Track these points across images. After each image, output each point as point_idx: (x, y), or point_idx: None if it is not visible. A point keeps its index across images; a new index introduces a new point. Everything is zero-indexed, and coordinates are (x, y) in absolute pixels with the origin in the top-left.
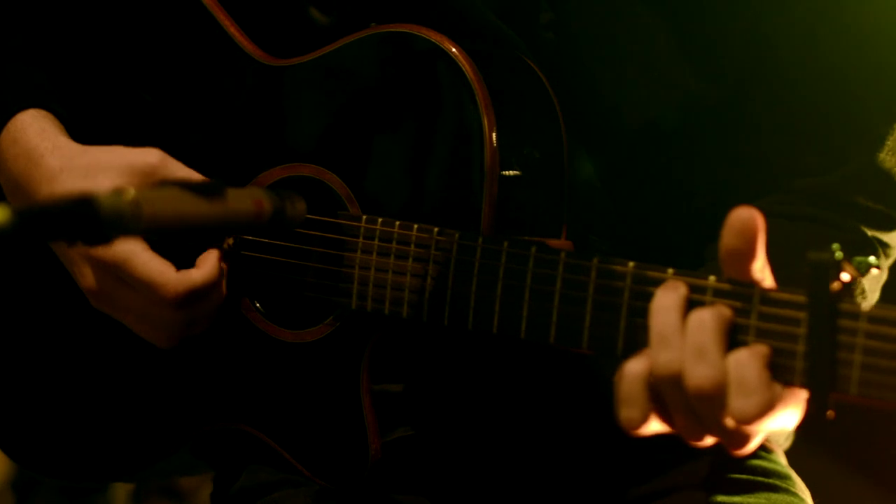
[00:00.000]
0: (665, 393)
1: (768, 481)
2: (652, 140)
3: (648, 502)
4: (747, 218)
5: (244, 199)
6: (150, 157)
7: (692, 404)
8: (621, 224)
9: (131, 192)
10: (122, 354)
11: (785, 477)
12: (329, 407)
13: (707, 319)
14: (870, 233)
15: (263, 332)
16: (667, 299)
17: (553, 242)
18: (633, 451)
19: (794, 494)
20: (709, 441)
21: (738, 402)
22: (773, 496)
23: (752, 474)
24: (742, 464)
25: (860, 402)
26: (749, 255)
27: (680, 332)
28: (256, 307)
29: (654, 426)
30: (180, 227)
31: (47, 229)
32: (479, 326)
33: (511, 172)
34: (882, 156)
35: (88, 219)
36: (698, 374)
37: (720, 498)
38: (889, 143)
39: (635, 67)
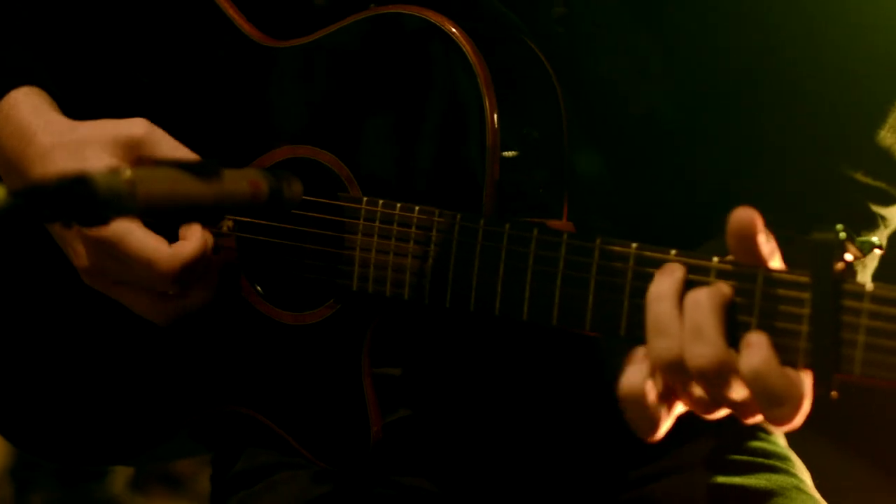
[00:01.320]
0: (669, 379)
1: (768, 462)
2: (656, 129)
3: (648, 483)
4: (745, 212)
5: (240, 180)
6: (135, 128)
7: (698, 383)
8: (624, 210)
9: (127, 172)
10: (121, 336)
11: (784, 458)
12: (330, 389)
13: (703, 299)
14: (873, 207)
15: (264, 314)
16: (662, 286)
17: (555, 224)
18: (633, 432)
19: (794, 475)
20: (722, 413)
21: (756, 398)
22: (773, 476)
23: (752, 455)
24: (742, 445)
25: (863, 381)
26: (750, 232)
27: (676, 318)
28: (257, 290)
29: (667, 421)
30: (176, 207)
31: (44, 210)
32: (480, 308)
33: (512, 153)
34: (882, 133)
35: (85, 199)
36: (698, 354)
37: (720, 479)
38: (890, 120)
39: (641, 59)
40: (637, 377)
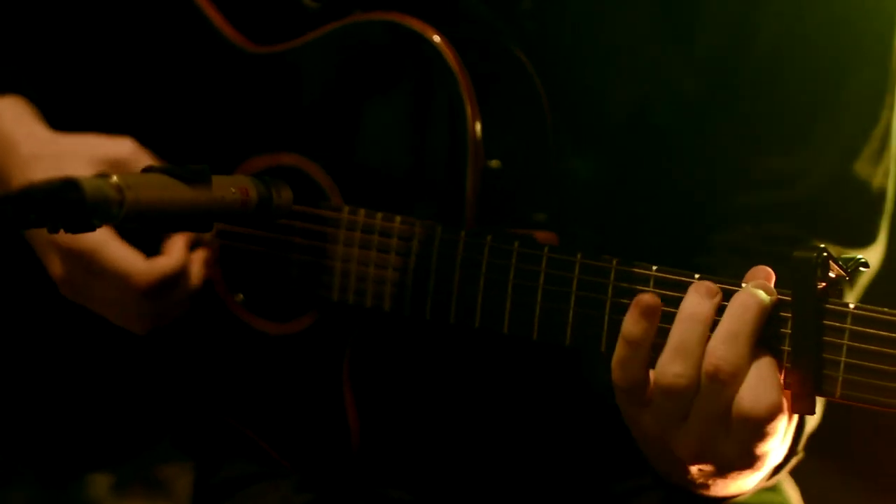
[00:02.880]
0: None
1: None
2: (639, 133)
3: (630, 499)
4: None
5: (229, 187)
6: (121, 148)
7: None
8: (608, 217)
9: (115, 178)
10: (101, 343)
11: None
12: (310, 399)
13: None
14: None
15: (246, 323)
16: (702, 308)
17: (538, 235)
18: (618, 446)
19: (778, 492)
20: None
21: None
22: (756, 494)
23: None
24: None
25: (844, 402)
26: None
27: (703, 344)
28: (238, 299)
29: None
30: (164, 214)
31: (30, 215)
32: (461, 320)
33: (495, 163)
34: (858, 165)
35: (72, 204)
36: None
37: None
38: (866, 151)
39: (621, 59)
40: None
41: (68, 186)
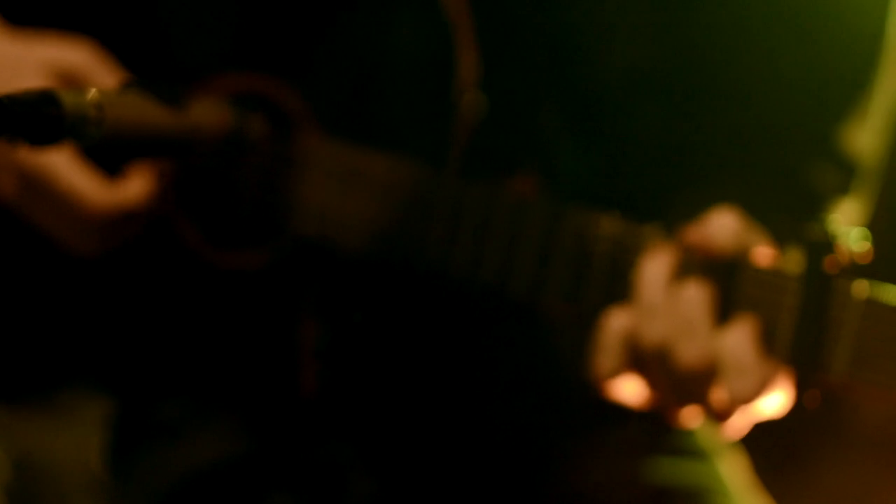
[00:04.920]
0: (649, 364)
1: (693, 458)
2: (631, 90)
3: (565, 462)
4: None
5: (207, 113)
6: (78, 55)
7: (678, 379)
8: (587, 170)
9: (95, 93)
10: (41, 264)
11: (712, 454)
12: (264, 339)
13: (695, 296)
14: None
15: (198, 253)
16: (655, 270)
17: (518, 182)
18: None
19: (717, 472)
20: (686, 419)
21: (732, 381)
22: (695, 471)
23: (678, 451)
24: (669, 438)
25: (845, 384)
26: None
27: (669, 302)
28: (193, 228)
29: (630, 388)
30: (139, 140)
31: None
32: (432, 269)
33: (483, 108)
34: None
35: (49, 119)
36: (687, 351)
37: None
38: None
39: (615, 11)
40: (625, 315)
41: (46, 100)
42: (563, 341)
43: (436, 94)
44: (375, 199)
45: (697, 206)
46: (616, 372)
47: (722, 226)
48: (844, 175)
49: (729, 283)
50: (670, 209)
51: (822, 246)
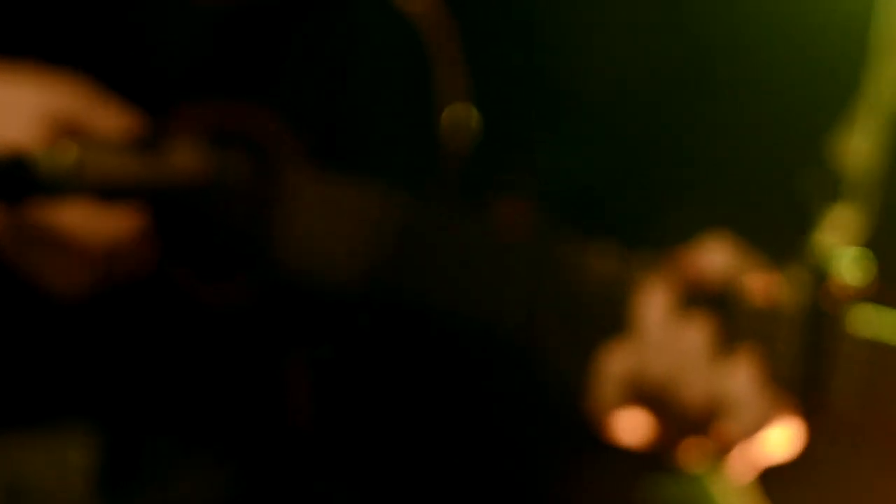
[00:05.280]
0: (650, 400)
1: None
2: (617, 101)
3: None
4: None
5: (190, 157)
6: (70, 96)
7: (680, 415)
8: (582, 188)
9: (74, 150)
10: (28, 308)
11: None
12: (253, 375)
13: (695, 337)
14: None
15: (180, 287)
16: (654, 303)
17: (508, 207)
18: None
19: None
20: (688, 456)
21: (735, 416)
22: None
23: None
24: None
25: (852, 420)
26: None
27: (668, 338)
28: (177, 263)
29: (630, 426)
30: (120, 189)
31: None
32: (419, 304)
33: (476, 121)
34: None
35: (22, 183)
36: (689, 387)
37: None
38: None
39: (599, 27)
40: (622, 357)
41: (18, 165)
42: (556, 365)
43: (418, 110)
44: (360, 232)
45: (688, 220)
46: (615, 409)
47: (715, 257)
48: (836, 182)
49: (727, 316)
50: (661, 222)
51: (817, 276)
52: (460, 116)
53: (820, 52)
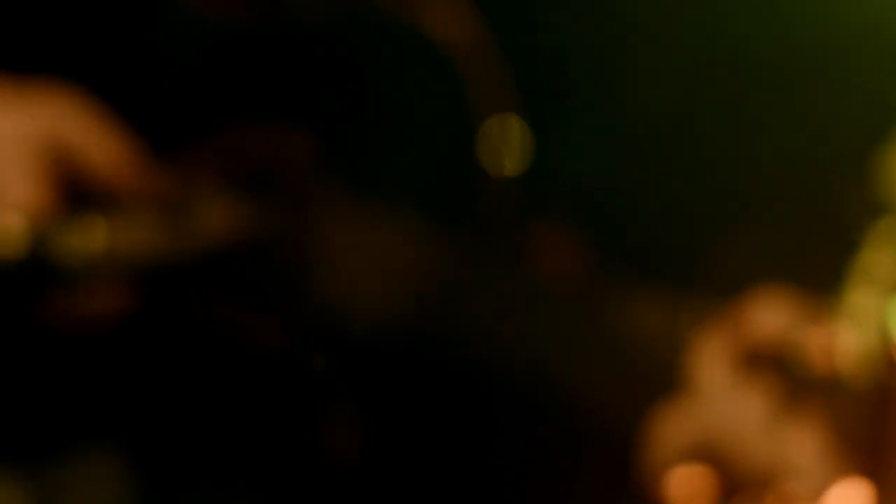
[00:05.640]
0: (706, 461)
1: None
2: (654, 127)
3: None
4: None
5: (221, 217)
6: (63, 127)
7: (737, 477)
8: (623, 222)
9: (102, 230)
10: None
11: None
12: (290, 420)
13: (761, 391)
14: None
15: (213, 324)
16: (711, 361)
17: (552, 241)
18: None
19: None
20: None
21: (795, 479)
22: None
23: None
24: None
25: None
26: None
27: (726, 398)
28: (212, 308)
29: (685, 484)
30: (151, 270)
31: None
32: (454, 355)
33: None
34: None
35: (42, 278)
36: (747, 449)
37: None
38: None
39: (632, 50)
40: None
41: (36, 265)
42: (600, 417)
43: (456, 134)
44: (397, 277)
45: (734, 250)
46: (670, 469)
47: (771, 314)
48: (882, 206)
49: (785, 376)
50: (707, 254)
51: (876, 347)
52: (505, 143)
53: (863, 67)
